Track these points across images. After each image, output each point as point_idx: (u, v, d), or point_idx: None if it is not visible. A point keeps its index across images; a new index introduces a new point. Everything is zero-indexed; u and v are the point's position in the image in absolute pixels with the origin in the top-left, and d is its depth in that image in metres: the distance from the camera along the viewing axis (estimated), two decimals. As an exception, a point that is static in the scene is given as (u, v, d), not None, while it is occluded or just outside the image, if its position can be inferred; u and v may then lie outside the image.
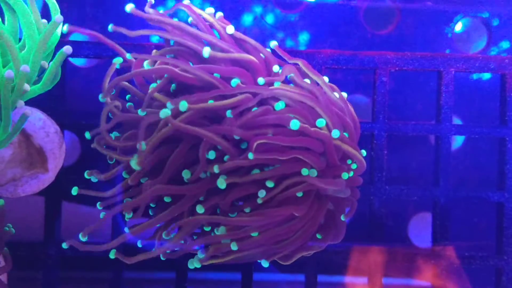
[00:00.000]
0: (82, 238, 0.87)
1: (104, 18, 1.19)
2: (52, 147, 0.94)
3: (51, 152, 0.94)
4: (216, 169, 0.80)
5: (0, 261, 0.90)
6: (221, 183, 0.80)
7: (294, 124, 0.80)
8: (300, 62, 0.89)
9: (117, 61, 0.90)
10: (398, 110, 1.22)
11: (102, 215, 0.88)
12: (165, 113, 0.78)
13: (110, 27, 0.90)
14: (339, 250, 1.04)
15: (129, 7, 0.90)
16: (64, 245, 0.87)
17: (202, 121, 0.83)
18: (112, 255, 0.88)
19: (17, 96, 0.80)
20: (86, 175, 0.91)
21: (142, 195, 0.82)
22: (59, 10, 0.87)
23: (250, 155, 0.80)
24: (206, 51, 0.84)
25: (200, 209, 0.83)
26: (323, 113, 0.83)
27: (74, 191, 0.89)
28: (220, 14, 0.93)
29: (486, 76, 1.23)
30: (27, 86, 0.80)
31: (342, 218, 0.88)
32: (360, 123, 0.92)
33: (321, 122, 0.83)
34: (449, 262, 1.05)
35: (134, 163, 0.80)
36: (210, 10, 0.92)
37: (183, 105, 0.79)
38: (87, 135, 0.89)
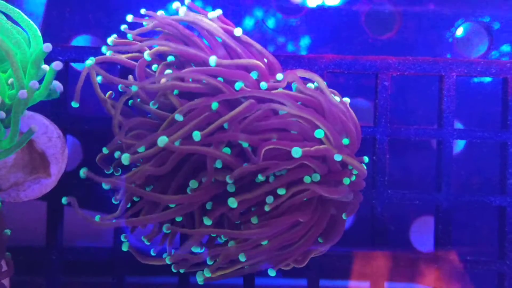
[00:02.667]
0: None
1: (107, 22, 1.19)
2: (55, 152, 0.94)
3: (54, 157, 0.94)
4: (228, 179, 0.81)
5: (2, 266, 0.90)
6: (233, 203, 0.81)
7: (296, 152, 0.80)
8: (300, 72, 0.89)
9: (91, 61, 0.90)
10: (400, 114, 1.22)
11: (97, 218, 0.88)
12: (162, 141, 0.78)
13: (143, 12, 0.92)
14: (341, 255, 1.04)
15: (143, 11, 0.91)
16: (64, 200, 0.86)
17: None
18: (125, 248, 0.89)
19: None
20: (104, 185, 0.91)
21: (148, 217, 0.84)
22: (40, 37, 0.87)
23: (260, 177, 0.81)
24: (213, 60, 0.84)
25: (207, 221, 0.83)
26: (324, 126, 0.83)
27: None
28: (219, 11, 0.92)
29: (487, 80, 1.23)
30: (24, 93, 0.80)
31: (344, 216, 0.88)
32: (362, 128, 0.93)
33: (319, 133, 0.83)
34: (451, 267, 1.05)
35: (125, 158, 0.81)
36: (213, 13, 0.92)
37: (196, 135, 0.79)
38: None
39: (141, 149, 0.82)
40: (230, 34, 0.90)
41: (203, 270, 0.87)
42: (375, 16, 1.21)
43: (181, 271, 0.90)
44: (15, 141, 0.81)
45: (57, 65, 0.83)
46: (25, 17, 0.86)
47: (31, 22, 0.86)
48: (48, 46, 0.82)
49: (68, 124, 1.03)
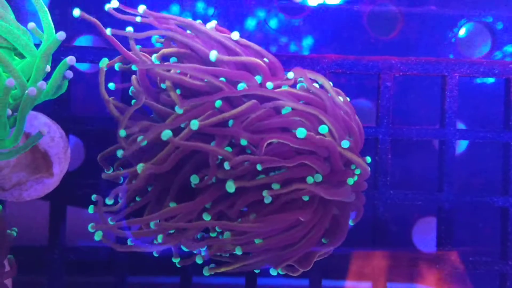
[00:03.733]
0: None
1: (109, 23, 1.19)
2: (57, 151, 0.94)
3: (56, 156, 0.94)
4: (226, 165, 0.80)
5: (5, 266, 0.90)
6: (230, 187, 0.80)
7: (301, 132, 0.80)
8: (304, 73, 0.90)
9: (103, 64, 0.91)
10: (402, 114, 1.22)
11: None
12: (167, 134, 0.78)
13: (142, 9, 0.89)
14: (343, 255, 1.04)
15: (142, 9, 0.90)
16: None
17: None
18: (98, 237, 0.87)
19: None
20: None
21: (150, 216, 0.84)
22: (52, 26, 0.87)
23: (259, 167, 0.81)
24: (213, 55, 0.84)
25: (206, 216, 0.83)
26: (328, 121, 0.83)
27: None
28: (214, 22, 0.92)
29: (490, 80, 1.23)
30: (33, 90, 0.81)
31: (351, 223, 0.88)
32: (364, 128, 0.93)
33: (323, 129, 0.83)
34: (453, 267, 1.05)
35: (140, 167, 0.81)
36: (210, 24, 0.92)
37: (194, 124, 0.79)
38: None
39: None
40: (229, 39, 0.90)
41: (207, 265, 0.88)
42: (378, 16, 1.21)
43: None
44: (19, 140, 0.81)
45: (71, 59, 0.83)
46: (49, 17, 0.86)
47: (51, 21, 0.86)
48: (61, 34, 0.82)
49: (70, 124, 1.03)
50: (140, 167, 0.81)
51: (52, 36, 0.84)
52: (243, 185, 0.81)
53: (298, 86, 0.88)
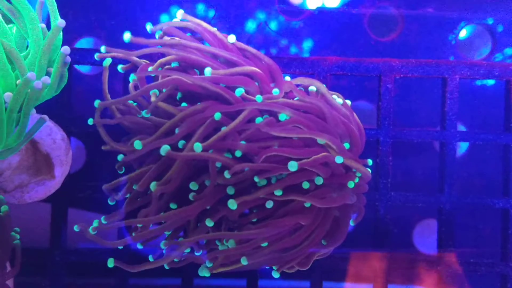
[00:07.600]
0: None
1: (110, 25, 1.20)
2: (59, 154, 0.94)
3: (58, 158, 0.94)
4: (226, 174, 0.80)
5: (6, 267, 0.90)
6: (232, 204, 0.80)
7: (292, 166, 0.80)
8: (298, 79, 0.90)
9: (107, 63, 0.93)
10: (403, 116, 1.22)
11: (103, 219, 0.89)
12: (165, 149, 0.79)
13: (127, 37, 0.90)
14: (344, 257, 1.04)
15: (127, 37, 0.89)
16: (76, 228, 0.87)
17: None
18: (111, 264, 0.87)
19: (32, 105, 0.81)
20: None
21: (148, 219, 0.84)
22: (58, 15, 0.87)
23: (256, 179, 0.81)
24: (208, 71, 0.84)
25: (209, 222, 0.83)
26: (325, 138, 0.83)
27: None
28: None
29: (490, 82, 1.23)
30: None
31: (352, 223, 0.88)
32: (365, 130, 0.93)
33: (321, 140, 0.83)
34: (454, 269, 1.05)
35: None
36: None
37: (198, 146, 0.79)
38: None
39: (138, 145, 0.83)
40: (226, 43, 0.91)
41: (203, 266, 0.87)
42: (378, 18, 1.21)
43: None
44: (22, 137, 0.81)
45: (66, 49, 0.82)
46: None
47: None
48: (62, 22, 0.82)
49: (72, 126, 1.03)
50: (153, 186, 0.82)
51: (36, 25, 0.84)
52: (245, 200, 0.81)
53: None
